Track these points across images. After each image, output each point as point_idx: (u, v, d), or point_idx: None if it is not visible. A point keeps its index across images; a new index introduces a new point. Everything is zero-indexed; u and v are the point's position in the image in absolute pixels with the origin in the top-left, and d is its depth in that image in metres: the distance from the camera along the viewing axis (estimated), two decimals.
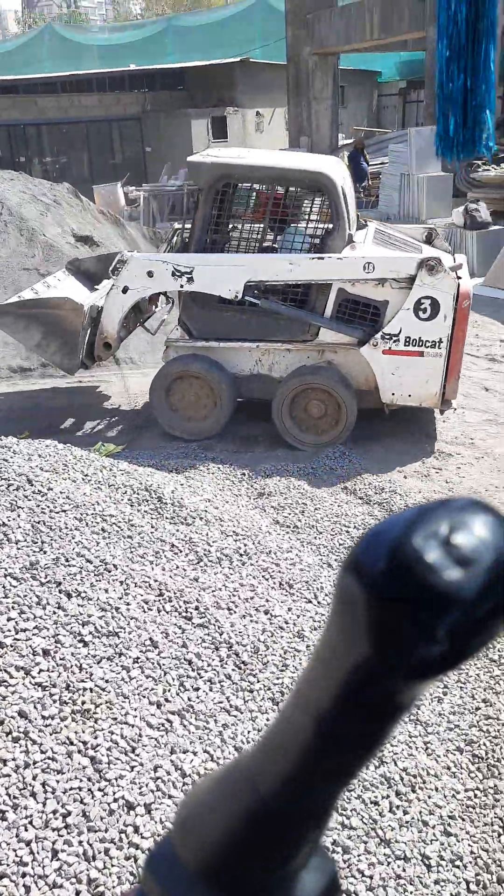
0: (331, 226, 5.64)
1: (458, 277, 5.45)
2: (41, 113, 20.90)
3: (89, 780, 2.15)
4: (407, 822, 2.47)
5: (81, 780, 2.14)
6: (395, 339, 5.60)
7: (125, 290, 5.95)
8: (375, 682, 0.39)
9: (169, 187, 17.97)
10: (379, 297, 5.58)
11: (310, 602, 3.46)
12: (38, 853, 1.96)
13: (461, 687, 3.13)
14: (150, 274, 5.85)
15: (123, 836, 2.05)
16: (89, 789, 2.13)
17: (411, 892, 2.24)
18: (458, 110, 4.67)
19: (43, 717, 2.31)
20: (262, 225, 6.00)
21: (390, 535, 0.38)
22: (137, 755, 2.29)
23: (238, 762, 0.46)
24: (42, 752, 2.20)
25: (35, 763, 2.17)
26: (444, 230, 12.62)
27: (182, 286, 5.78)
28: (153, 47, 27.72)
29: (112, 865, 1.99)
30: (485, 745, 2.87)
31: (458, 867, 2.36)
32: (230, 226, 6.02)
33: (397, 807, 2.51)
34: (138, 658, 2.67)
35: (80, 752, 2.22)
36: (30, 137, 21.28)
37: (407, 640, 0.37)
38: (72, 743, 2.25)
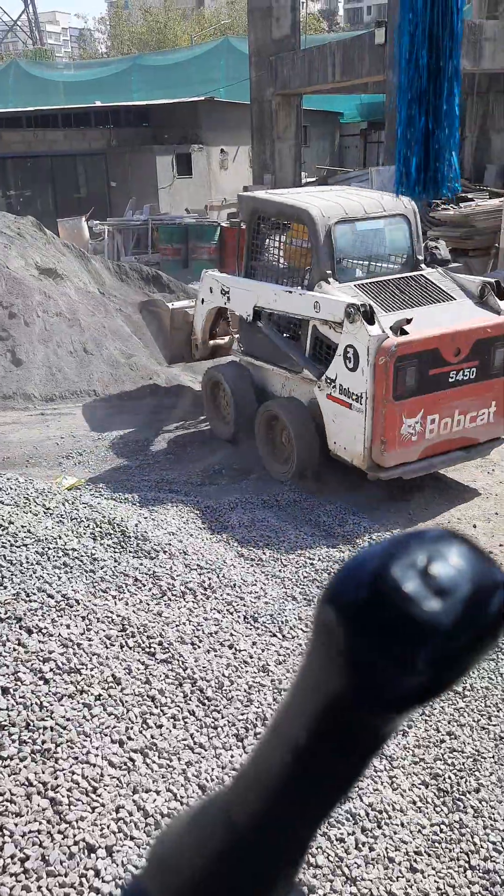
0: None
1: (401, 331, 5.11)
2: (6, 147, 20.97)
3: (49, 822, 2.10)
4: (373, 859, 2.45)
5: (41, 823, 2.08)
6: (333, 384, 5.50)
7: (203, 301, 7.13)
8: (353, 714, 0.38)
9: (134, 222, 18.10)
10: (335, 340, 5.47)
11: (274, 636, 3.44)
12: None
13: (426, 720, 3.13)
14: (211, 289, 6.86)
15: (84, 880, 1.99)
16: (49, 832, 2.07)
17: None
18: (420, 152, 4.79)
19: (1, 758, 2.25)
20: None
21: (368, 567, 0.38)
22: (99, 795, 2.24)
23: (213, 798, 0.45)
24: (0, 795, 2.13)
25: None
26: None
27: (225, 303, 6.70)
28: (118, 85, 28.11)
29: None
30: (450, 778, 2.87)
31: None
32: (263, 255, 6.46)
33: (363, 843, 2.48)
34: (100, 695, 2.62)
35: (39, 793, 2.16)
36: None
37: (386, 670, 0.36)
38: (31, 784, 2.19)
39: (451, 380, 5.40)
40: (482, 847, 2.61)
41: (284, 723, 0.41)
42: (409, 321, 5.19)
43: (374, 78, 17.14)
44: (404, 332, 5.14)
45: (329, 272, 5.67)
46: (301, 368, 5.84)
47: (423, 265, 6.22)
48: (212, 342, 7.45)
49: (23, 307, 8.45)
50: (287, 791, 0.41)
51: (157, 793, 2.35)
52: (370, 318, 5.15)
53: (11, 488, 4.02)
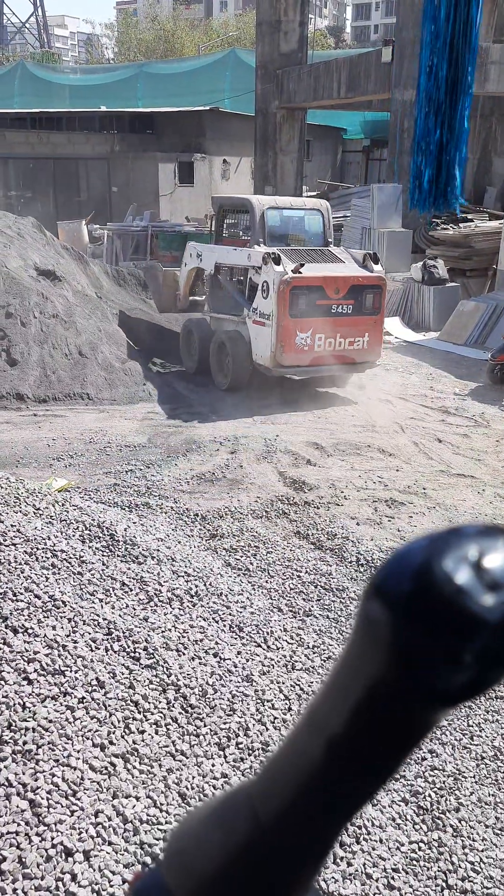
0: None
1: (297, 272, 7.73)
2: (9, 147, 21.00)
3: (27, 824, 2.08)
4: (350, 874, 2.44)
5: (19, 825, 2.06)
6: (256, 311, 8.11)
7: (185, 265, 9.82)
8: (394, 706, 0.38)
9: (133, 227, 18.14)
10: (258, 282, 8.10)
11: (259, 646, 3.43)
12: None
13: None
14: (191, 255, 9.60)
15: (60, 884, 1.98)
16: (27, 834, 2.05)
17: None
18: (434, 164, 4.83)
19: None
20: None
21: (416, 559, 0.37)
22: (78, 799, 2.22)
23: (237, 789, 0.44)
24: None
25: None
26: (404, 283, 12.97)
27: (199, 263, 9.37)
28: (124, 91, 28.25)
29: None
30: (430, 796, 2.87)
31: None
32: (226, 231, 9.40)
33: (341, 858, 2.47)
34: (83, 698, 2.61)
35: (19, 794, 2.15)
36: None
37: (432, 663, 0.36)
38: (11, 785, 2.17)
39: (332, 310, 8.06)
40: (460, 867, 2.61)
41: (321, 713, 0.40)
42: (302, 265, 7.84)
43: (379, 96, 17.29)
44: (299, 273, 7.79)
45: (261, 240, 8.40)
46: (243, 315, 8.39)
47: (330, 246, 8.90)
48: (191, 298, 10.09)
49: (20, 307, 8.43)
50: (318, 784, 0.40)
51: (137, 798, 2.34)
52: (278, 261, 7.83)
53: (2, 487, 4.00)
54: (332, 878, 2.39)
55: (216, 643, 3.27)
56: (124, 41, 51.27)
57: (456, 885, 2.54)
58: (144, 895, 0.46)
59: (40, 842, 2.05)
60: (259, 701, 2.99)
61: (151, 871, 0.46)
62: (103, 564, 3.57)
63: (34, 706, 2.47)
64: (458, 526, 0.39)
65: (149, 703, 2.74)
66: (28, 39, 65.39)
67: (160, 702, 2.78)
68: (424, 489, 6.05)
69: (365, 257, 8.49)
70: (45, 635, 2.81)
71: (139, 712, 2.68)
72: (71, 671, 2.69)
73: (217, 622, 3.48)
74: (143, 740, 2.57)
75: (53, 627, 2.89)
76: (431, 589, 0.36)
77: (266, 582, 4.26)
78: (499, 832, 2.82)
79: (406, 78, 14.23)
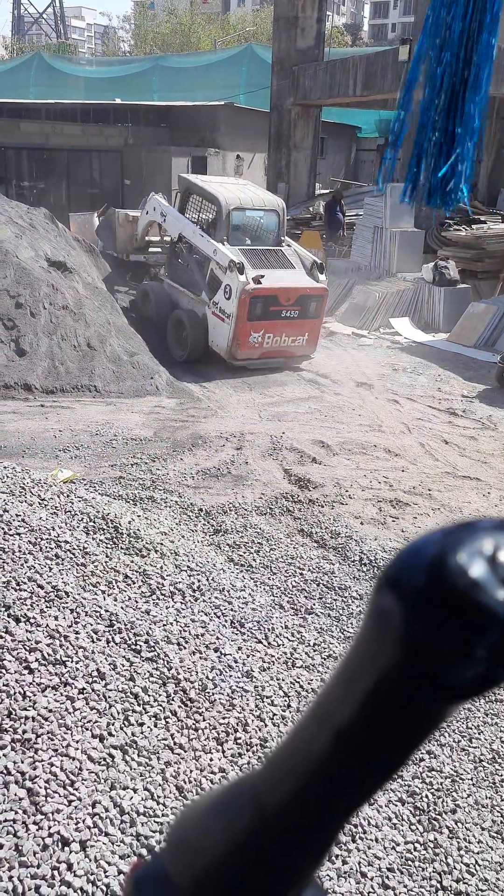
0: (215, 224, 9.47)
1: (258, 283, 8.92)
2: (24, 137, 20.99)
3: (25, 812, 2.09)
4: (345, 872, 2.44)
5: (17, 813, 2.07)
6: (217, 305, 9.31)
7: (147, 213, 11.07)
8: (403, 699, 0.37)
9: None
10: (221, 279, 9.21)
11: (260, 643, 3.43)
12: None
13: None
14: (154, 208, 10.76)
15: (56, 872, 1.98)
16: (24, 822, 2.06)
17: None
18: (439, 160, 4.80)
19: None
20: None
21: (430, 552, 0.37)
22: (76, 789, 2.23)
23: (241, 779, 0.44)
24: None
25: None
26: (413, 284, 12.94)
27: (161, 222, 10.65)
28: (139, 84, 28.20)
29: None
30: (427, 797, 2.87)
31: None
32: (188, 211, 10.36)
33: (336, 856, 2.48)
34: (84, 689, 2.61)
35: (17, 782, 2.15)
36: (9, 160, 21.33)
37: (443, 657, 0.36)
38: (9, 773, 2.18)
39: (283, 315, 9.39)
40: (455, 868, 2.61)
41: (329, 704, 0.40)
42: (262, 276, 9.01)
43: (394, 94, 17.18)
44: (259, 283, 8.95)
45: (225, 238, 9.39)
46: (200, 292, 9.63)
47: (282, 243, 10.02)
48: (146, 239, 11.50)
49: (29, 298, 8.44)
50: (324, 775, 0.40)
51: (135, 790, 2.34)
52: (242, 270, 8.94)
53: (8, 477, 4.01)
54: (327, 875, 2.39)
55: (217, 638, 3.28)
56: (140, 34, 51.22)
57: (450, 886, 2.54)
58: (145, 883, 0.45)
59: (37, 830, 2.06)
60: (258, 697, 2.99)
61: (152, 859, 0.46)
62: (107, 556, 3.58)
63: (34, 695, 2.48)
64: (472, 520, 0.39)
65: (148, 695, 2.75)
66: (45, 30, 65.36)
67: (160, 695, 2.79)
68: (430, 490, 6.04)
69: (312, 265, 9.80)
70: (47, 625, 2.82)
71: (139, 704, 2.69)
72: (72, 661, 2.70)
73: (218, 617, 3.49)
74: (142, 732, 2.58)
75: (55, 618, 2.90)
76: (445, 582, 0.36)
77: (268, 579, 4.26)
78: (495, 835, 2.82)
79: (422, 76, 14.15)
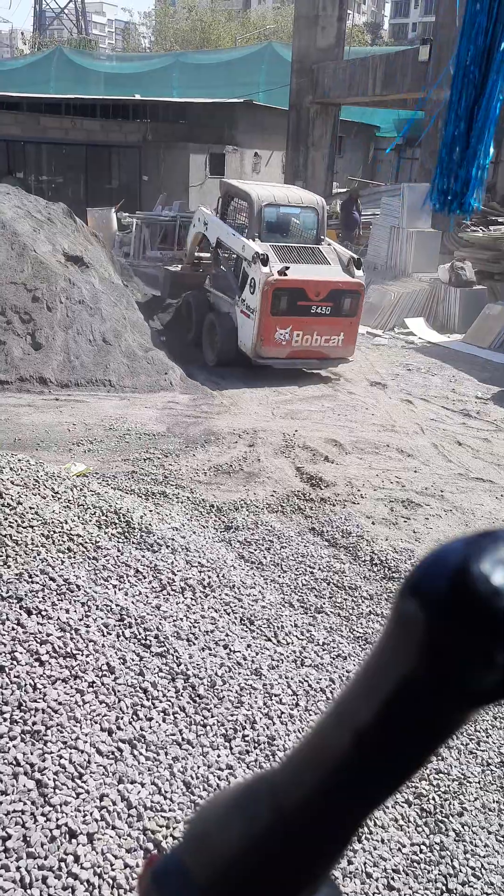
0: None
1: (283, 275, 8.43)
2: (43, 132, 21.06)
3: (33, 803, 2.10)
4: (350, 872, 2.44)
5: (25, 804, 2.08)
6: (244, 302, 8.84)
7: (193, 226, 10.68)
8: (424, 703, 0.38)
9: (163, 217, 18.13)
10: (249, 275, 8.71)
11: (269, 640, 3.44)
12: None
13: None
14: (199, 220, 10.37)
15: (63, 864, 1.99)
16: (32, 813, 2.07)
17: None
18: (460, 166, 4.76)
19: None
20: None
21: (453, 559, 0.38)
22: (84, 782, 2.24)
23: (259, 777, 0.45)
24: None
25: None
26: (430, 283, 12.88)
27: (204, 230, 10.16)
28: (159, 80, 28.22)
29: (48, 895, 1.93)
30: (434, 799, 2.86)
31: None
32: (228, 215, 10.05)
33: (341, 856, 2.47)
34: (94, 682, 2.63)
35: (26, 773, 2.17)
36: (29, 154, 21.42)
37: (464, 663, 0.37)
38: (19, 764, 2.19)
39: (312, 311, 8.76)
40: (461, 871, 2.60)
41: (350, 705, 0.41)
42: (288, 268, 8.50)
43: (414, 94, 17.12)
44: (284, 275, 8.45)
45: (256, 234, 8.96)
46: (234, 295, 9.10)
47: (323, 241, 9.42)
48: (197, 255, 10.96)
49: (46, 292, 8.47)
50: (343, 775, 0.41)
51: (142, 785, 2.35)
52: (266, 261, 8.43)
53: (22, 469, 4.03)
54: (332, 875, 2.39)
55: (227, 635, 3.28)
56: (161, 30, 51.22)
57: (456, 889, 2.53)
58: (163, 877, 0.46)
59: (45, 822, 2.07)
60: (267, 695, 2.99)
61: (169, 853, 0.47)
62: (118, 551, 3.59)
63: (45, 687, 2.49)
64: (493, 529, 0.40)
65: (158, 690, 2.76)
66: (66, 26, 65.51)
67: (169, 690, 2.80)
68: (442, 492, 6.02)
69: (349, 261, 9.14)
70: (59, 618, 2.83)
71: (148, 699, 2.70)
72: (82, 655, 2.71)
73: (228, 614, 3.49)
74: (150, 727, 2.59)
75: (67, 611, 2.91)
76: (468, 589, 0.37)
77: (279, 576, 4.26)
78: (501, 839, 2.81)
79: (442, 78, 14.11)
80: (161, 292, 11.56)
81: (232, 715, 2.81)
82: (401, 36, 66.26)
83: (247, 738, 2.74)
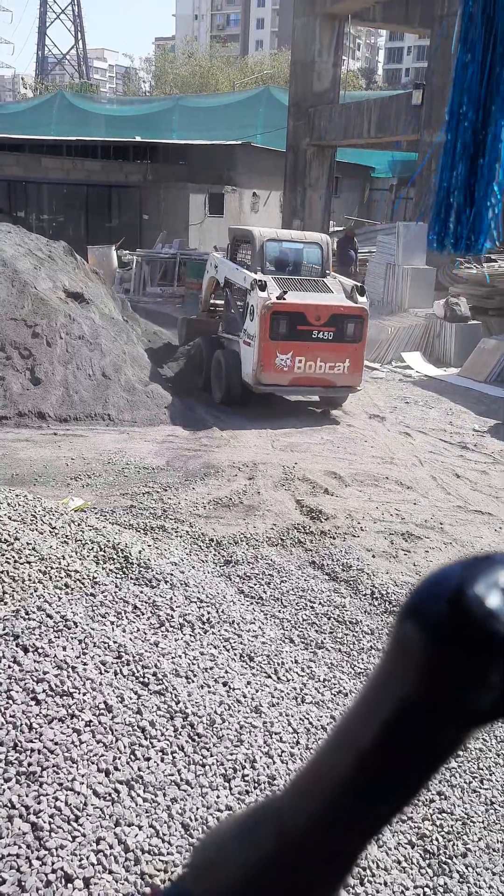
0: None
1: (281, 299, 8.36)
2: (45, 172, 21.42)
3: (28, 847, 2.05)
4: None
5: (20, 847, 2.03)
6: (246, 332, 8.74)
7: (206, 272, 10.60)
8: (424, 724, 0.39)
9: (163, 255, 18.36)
10: (249, 303, 8.65)
11: (269, 677, 3.39)
12: None
13: None
14: (211, 264, 10.38)
15: None
16: (27, 857, 2.02)
17: None
18: (464, 203, 4.84)
19: None
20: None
21: (450, 583, 0.39)
22: (81, 825, 2.19)
23: (264, 803, 0.45)
24: None
25: None
26: (427, 318, 13.00)
27: (214, 273, 10.10)
28: (159, 122, 28.78)
29: None
30: (437, 840, 2.80)
31: None
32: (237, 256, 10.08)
33: None
34: (91, 721, 2.58)
35: (21, 816, 2.12)
36: (30, 194, 21.76)
37: (462, 683, 0.38)
38: (13, 806, 2.14)
39: (313, 336, 8.57)
40: None
41: (351, 728, 0.42)
42: (285, 292, 8.47)
43: (407, 137, 17.48)
44: (282, 299, 8.39)
45: (259, 268, 9.01)
46: (241, 331, 8.95)
47: (328, 275, 9.39)
48: (212, 302, 10.80)
49: (46, 328, 8.54)
50: (347, 798, 0.41)
51: (140, 827, 2.30)
52: (263, 287, 8.47)
53: (19, 504, 4.02)
54: None
55: (226, 672, 3.24)
56: (161, 75, 52.42)
57: None
58: None
59: (41, 866, 2.02)
60: (267, 733, 2.94)
61: (174, 882, 0.47)
62: (116, 586, 3.56)
63: (41, 727, 2.45)
64: (489, 553, 0.41)
65: (156, 729, 2.71)
66: (68, 71, 67.09)
67: (167, 729, 2.75)
68: (441, 524, 6.00)
69: (353, 289, 9.09)
70: (56, 655, 2.80)
71: (146, 739, 2.65)
72: (79, 693, 2.67)
73: (228, 650, 3.45)
74: (148, 767, 2.54)
75: (64, 648, 2.87)
76: (464, 612, 0.38)
77: (279, 611, 4.22)
78: None
79: (435, 121, 14.43)
80: (178, 340, 11.48)
81: (231, 754, 2.76)
82: (394, 81, 67.86)
83: (247, 778, 2.68)
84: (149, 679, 2.96)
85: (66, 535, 3.94)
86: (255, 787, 2.66)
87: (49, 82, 58.08)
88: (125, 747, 2.57)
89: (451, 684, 0.38)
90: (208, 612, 3.67)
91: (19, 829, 2.09)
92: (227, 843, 0.45)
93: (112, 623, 3.24)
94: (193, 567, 4.36)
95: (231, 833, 0.45)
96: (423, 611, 0.39)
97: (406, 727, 0.39)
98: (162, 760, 2.61)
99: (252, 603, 4.26)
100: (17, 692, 2.54)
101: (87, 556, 3.80)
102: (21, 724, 2.43)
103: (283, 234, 9.65)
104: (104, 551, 3.93)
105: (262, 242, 9.11)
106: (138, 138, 23.46)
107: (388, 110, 17.72)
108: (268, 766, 2.77)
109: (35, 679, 2.64)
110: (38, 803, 2.20)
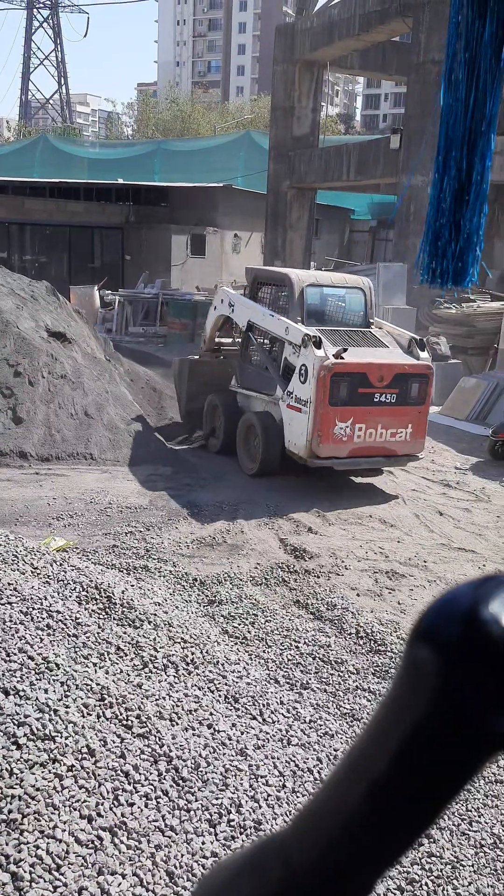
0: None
1: (339, 357, 7.15)
2: (27, 214, 21.64)
3: None
4: None
5: None
6: (292, 395, 7.45)
7: (215, 308, 9.24)
8: (440, 749, 0.38)
9: (145, 294, 18.52)
10: (297, 363, 7.39)
11: (254, 719, 3.34)
12: None
13: None
14: (222, 301, 8.97)
15: None
16: None
17: None
18: (450, 238, 4.93)
19: None
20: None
21: (462, 604, 0.39)
22: (62, 874, 2.13)
23: (269, 837, 0.44)
24: None
25: None
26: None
27: (230, 313, 8.76)
28: (141, 165, 29.26)
29: None
30: (427, 885, 2.74)
31: None
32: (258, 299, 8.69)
33: None
34: (73, 766, 2.53)
35: (1, 866, 2.06)
36: (13, 235, 21.93)
37: (480, 705, 0.37)
38: None
39: (375, 399, 7.38)
40: None
41: (362, 757, 0.40)
42: (345, 350, 7.25)
43: (386, 179, 17.90)
44: (341, 358, 7.16)
45: (299, 318, 7.76)
46: (274, 389, 7.82)
47: (372, 324, 8.31)
48: (217, 339, 9.62)
49: (28, 367, 8.55)
50: (358, 830, 0.40)
51: (123, 876, 2.24)
52: (318, 344, 7.18)
53: (1, 544, 3.97)
54: None
55: (210, 714, 3.19)
56: (143, 120, 53.45)
57: None
58: None
59: None
60: (253, 776, 2.89)
61: None
62: (99, 627, 3.52)
63: (22, 773, 2.39)
64: (497, 573, 0.41)
65: (140, 773, 2.66)
66: (51, 115, 68.22)
67: (151, 773, 2.70)
68: (425, 562, 6.00)
69: (410, 342, 7.94)
70: (37, 698, 2.75)
71: (129, 783, 2.60)
72: (61, 737, 2.62)
73: (212, 692, 3.41)
74: (132, 813, 2.48)
75: (45, 690, 2.82)
76: (480, 632, 0.37)
77: (264, 652, 4.18)
78: None
79: (413, 164, 14.81)
80: (177, 387, 10.07)
81: (217, 798, 2.71)
82: (372, 126, 69.74)
83: (232, 823, 2.63)
84: (132, 722, 2.91)
85: (48, 576, 3.90)
86: (240, 833, 2.61)
87: (32, 126, 58.99)
88: (108, 792, 2.51)
89: (469, 706, 0.37)
90: (192, 653, 3.63)
91: None
92: (232, 877, 0.44)
93: (95, 664, 3.19)
94: (177, 607, 4.32)
95: (236, 867, 0.44)
96: (437, 633, 0.38)
97: (422, 754, 0.38)
98: (146, 806, 2.55)
99: (237, 643, 4.22)
100: None
101: (70, 597, 3.75)
102: (1, 770, 2.37)
103: (322, 279, 8.44)
104: (87, 591, 3.88)
105: (301, 288, 7.88)
106: (121, 180, 23.82)
107: (367, 154, 18.17)
108: (254, 811, 2.72)
109: (16, 723, 2.58)
110: (19, 852, 2.14)
